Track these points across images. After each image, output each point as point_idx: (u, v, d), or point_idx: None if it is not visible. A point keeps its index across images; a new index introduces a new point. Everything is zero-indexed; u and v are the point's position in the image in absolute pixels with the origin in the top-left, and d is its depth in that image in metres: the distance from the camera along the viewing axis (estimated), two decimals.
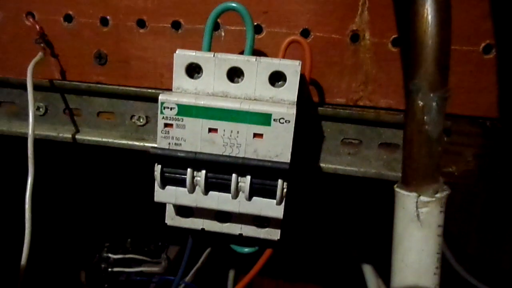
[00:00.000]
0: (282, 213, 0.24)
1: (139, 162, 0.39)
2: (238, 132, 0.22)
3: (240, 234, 0.26)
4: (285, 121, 0.22)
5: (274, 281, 0.54)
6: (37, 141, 0.29)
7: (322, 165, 0.29)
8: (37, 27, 0.29)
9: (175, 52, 0.24)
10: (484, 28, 0.26)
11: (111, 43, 0.29)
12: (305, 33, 0.27)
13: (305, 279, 0.53)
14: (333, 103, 0.28)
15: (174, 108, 0.22)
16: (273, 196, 0.23)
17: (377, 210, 0.42)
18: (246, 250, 0.28)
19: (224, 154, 0.23)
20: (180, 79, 0.24)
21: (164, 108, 0.22)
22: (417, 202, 0.20)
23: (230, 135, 0.22)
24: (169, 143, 0.23)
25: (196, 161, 0.23)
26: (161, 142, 0.23)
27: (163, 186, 0.24)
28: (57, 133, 0.31)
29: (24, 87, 0.29)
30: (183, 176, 0.23)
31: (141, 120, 0.30)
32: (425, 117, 0.19)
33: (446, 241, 0.30)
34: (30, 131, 0.28)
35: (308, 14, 0.27)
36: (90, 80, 0.30)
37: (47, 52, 0.30)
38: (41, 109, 0.31)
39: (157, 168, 0.23)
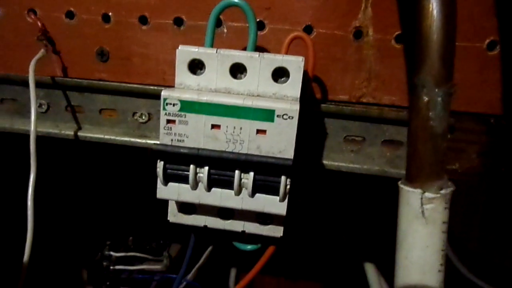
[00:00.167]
0: (285, 210, 0.23)
1: (141, 160, 0.39)
2: (241, 128, 0.22)
3: (243, 231, 0.26)
4: (289, 117, 0.22)
5: (275, 279, 0.54)
6: (39, 138, 0.29)
7: (325, 162, 0.29)
8: (39, 23, 0.29)
9: (177, 48, 0.24)
10: (488, 24, 0.26)
11: (113, 40, 0.29)
12: (308, 30, 0.27)
13: (306, 277, 0.53)
14: (336, 100, 0.28)
15: (176, 104, 0.22)
16: (276, 193, 0.23)
17: (379, 208, 0.41)
18: (249, 247, 0.28)
19: (227, 150, 0.23)
20: (182, 75, 0.24)
21: (167, 104, 0.22)
22: (421, 198, 0.20)
23: (233, 131, 0.22)
24: (172, 140, 0.23)
25: (199, 158, 0.23)
26: (163, 138, 0.23)
27: (165, 182, 0.24)
28: (59, 130, 0.31)
29: (26, 84, 0.29)
30: (185, 173, 0.23)
31: (144, 117, 0.30)
32: (430, 113, 0.19)
33: (448, 239, 0.30)
34: (32, 128, 0.28)
35: (311, 11, 0.27)
36: (92, 77, 0.30)
37: (49, 49, 0.30)
38: (43, 106, 0.31)
39: (160, 164, 0.23)
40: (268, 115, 0.22)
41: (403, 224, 0.21)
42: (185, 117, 0.22)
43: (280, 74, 0.23)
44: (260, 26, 0.27)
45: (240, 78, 0.24)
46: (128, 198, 0.50)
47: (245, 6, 0.24)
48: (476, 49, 0.26)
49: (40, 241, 0.29)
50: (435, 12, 0.18)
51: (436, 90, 0.19)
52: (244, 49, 0.26)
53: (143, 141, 0.30)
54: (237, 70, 0.24)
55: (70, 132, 0.31)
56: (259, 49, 0.27)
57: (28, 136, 0.28)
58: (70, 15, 0.29)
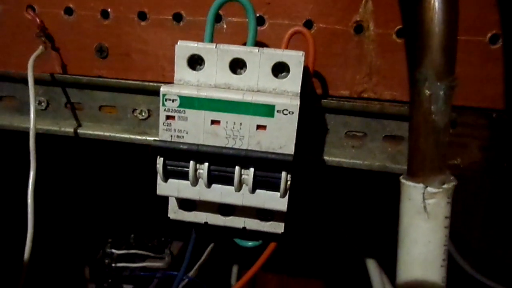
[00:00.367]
0: (286, 205, 0.23)
1: (142, 157, 0.39)
2: (241, 124, 0.22)
3: (244, 228, 0.26)
4: (289, 112, 0.22)
5: (277, 275, 0.54)
6: (39, 135, 0.29)
7: (326, 158, 0.29)
8: (38, 20, 0.29)
9: (176, 44, 0.24)
10: (491, 18, 0.25)
11: (112, 36, 0.29)
12: (308, 24, 0.27)
13: (308, 273, 0.53)
14: (337, 95, 0.28)
15: (176, 100, 0.22)
16: (277, 189, 0.23)
17: (380, 204, 0.41)
18: (250, 244, 0.28)
19: (227, 146, 0.23)
20: (182, 71, 0.24)
21: (166, 100, 0.22)
22: (423, 193, 0.20)
23: (233, 127, 0.22)
24: (171, 136, 0.23)
25: (199, 154, 0.23)
26: (163, 134, 0.23)
27: (165, 179, 0.24)
28: (58, 127, 0.31)
29: (25, 81, 0.29)
30: (185, 169, 0.23)
31: (143, 114, 0.30)
32: (432, 107, 0.19)
33: (450, 235, 0.30)
34: (31, 126, 0.27)
35: (311, 5, 0.27)
36: (91, 73, 0.30)
37: (48, 46, 0.29)
38: (42, 104, 0.31)
39: (159, 161, 0.23)
40: (268, 110, 0.22)
41: (405, 219, 0.21)
42: (184, 113, 0.22)
43: (280, 69, 0.23)
44: (260, 21, 0.27)
45: (240, 74, 0.23)
46: (129, 195, 0.50)
47: (244, 1, 0.24)
48: (479, 43, 0.26)
49: (42, 239, 0.29)
50: (436, 4, 0.18)
51: (438, 83, 0.19)
52: (244, 44, 0.26)
53: (143, 138, 0.30)
54: (237, 66, 0.24)
55: (70, 129, 0.31)
56: (259, 44, 0.27)
57: (27, 133, 0.28)
58: (68, 11, 0.29)
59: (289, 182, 0.23)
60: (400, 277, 0.21)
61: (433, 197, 0.20)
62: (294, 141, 0.22)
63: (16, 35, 0.30)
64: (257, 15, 0.27)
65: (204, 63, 0.23)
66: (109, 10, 0.29)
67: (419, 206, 0.20)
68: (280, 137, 0.22)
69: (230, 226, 0.26)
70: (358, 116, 0.28)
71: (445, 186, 0.20)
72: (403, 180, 0.21)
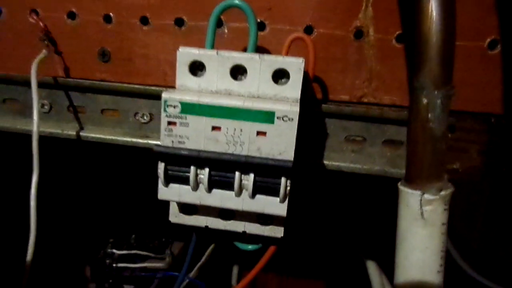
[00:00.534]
0: (286, 211, 0.24)
1: (143, 159, 0.39)
2: (241, 130, 0.22)
3: (244, 232, 0.26)
4: (289, 119, 0.22)
5: (278, 277, 0.54)
6: (42, 138, 0.29)
7: (325, 162, 0.29)
8: (41, 24, 0.29)
9: (178, 49, 0.24)
10: (489, 23, 0.26)
11: (115, 40, 0.29)
12: (308, 30, 0.27)
13: (308, 275, 0.54)
14: (337, 100, 0.28)
15: (177, 106, 0.22)
16: (276, 194, 0.23)
17: (380, 206, 0.41)
18: (250, 247, 0.28)
19: (227, 152, 0.23)
20: (183, 76, 0.24)
21: (168, 106, 0.22)
22: (421, 200, 0.20)
23: (234, 133, 0.22)
24: (173, 141, 0.23)
25: (200, 159, 0.23)
26: (164, 140, 0.23)
27: (166, 184, 0.24)
28: (61, 130, 0.31)
29: (28, 84, 0.29)
30: (186, 174, 0.23)
31: (145, 118, 0.30)
32: (429, 115, 0.19)
33: (450, 237, 0.30)
34: (34, 129, 0.28)
35: (312, 11, 0.27)
36: (93, 77, 0.30)
37: (51, 50, 0.30)
38: (45, 107, 0.31)
39: (161, 166, 0.23)
40: (268, 117, 0.22)
41: (403, 225, 0.21)
42: (186, 119, 0.23)
43: (280, 75, 0.23)
44: (261, 26, 0.27)
45: (241, 80, 0.24)
46: (130, 196, 0.50)
47: (245, 7, 0.24)
48: (477, 48, 0.26)
49: (44, 239, 0.30)
50: (434, 14, 0.18)
51: (436, 92, 0.19)
52: (245, 49, 0.26)
53: (145, 141, 0.30)
54: (238, 72, 0.24)
55: (72, 132, 0.31)
56: (259, 49, 0.27)
57: (29, 136, 0.28)
58: (72, 15, 0.29)
59: (288, 188, 0.23)
60: (398, 282, 0.22)
61: (430, 204, 0.20)
62: (294, 147, 0.22)
63: (20, 39, 0.30)
64: (258, 20, 0.27)
65: (205, 69, 0.24)
66: (111, 14, 0.29)
67: (417, 212, 0.20)
68: (280, 143, 0.22)
69: (231, 230, 0.26)
70: (358, 120, 0.28)
71: (442, 193, 0.20)
72: (401, 187, 0.21)
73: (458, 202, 0.30)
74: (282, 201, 0.23)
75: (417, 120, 0.20)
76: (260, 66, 0.23)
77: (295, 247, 0.50)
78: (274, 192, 0.23)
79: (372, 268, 0.43)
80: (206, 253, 0.46)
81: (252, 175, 0.23)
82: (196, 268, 0.45)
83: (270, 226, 0.26)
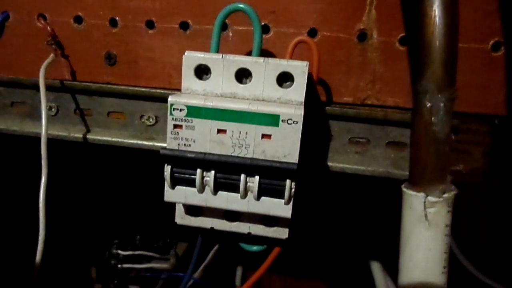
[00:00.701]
0: (290, 212, 0.24)
1: (148, 161, 0.39)
2: (246, 133, 0.23)
3: (249, 233, 0.26)
4: (293, 122, 0.22)
5: (281, 277, 0.54)
6: (48, 140, 0.29)
7: (329, 164, 0.29)
8: (49, 28, 0.29)
9: (183, 52, 0.24)
10: (493, 25, 0.26)
11: (120, 44, 0.30)
12: (312, 33, 0.27)
13: (312, 276, 0.54)
14: (341, 102, 0.28)
15: (183, 109, 0.23)
16: (281, 196, 0.23)
17: (385, 207, 0.42)
18: (255, 248, 0.28)
19: (232, 154, 0.23)
20: (189, 80, 0.24)
21: (174, 109, 0.23)
22: (424, 202, 0.20)
23: (239, 136, 0.23)
24: (179, 144, 0.23)
25: (205, 162, 0.23)
26: (170, 143, 0.23)
27: (173, 186, 0.24)
28: (68, 133, 0.32)
29: (35, 87, 0.29)
30: (192, 177, 0.24)
31: (151, 120, 0.31)
32: (432, 118, 0.19)
33: (455, 238, 0.30)
34: (43, 131, 0.28)
35: (315, 14, 0.27)
36: (100, 80, 0.31)
37: (58, 53, 0.30)
38: (52, 109, 0.32)
39: (167, 168, 0.24)
40: (273, 120, 0.22)
41: (407, 227, 0.21)
42: (191, 122, 0.23)
43: (284, 78, 0.24)
44: (265, 29, 0.28)
45: (246, 83, 0.24)
46: (136, 197, 0.50)
47: (250, 11, 0.24)
48: (481, 50, 0.26)
49: (50, 240, 0.30)
50: (437, 19, 0.19)
51: (439, 95, 0.19)
52: (250, 52, 0.26)
53: (151, 143, 0.31)
54: (243, 75, 0.24)
55: (79, 135, 0.31)
56: (264, 52, 0.27)
57: (35, 138, 0.29)
58: (78, 20, 0.30)
59: (293, 190, 0.23)
60: (402, 283, 0.22)
61: (434, 206, 0.20)
62: (298, 150, 0.23)
63: (27, 43, 0.31)
64: (262, 23, 0.27)
65: (211, 73, 0.24)
66: (117, 18, 0.29)
67: (420, 214, 0.20)
68: (285, 146, 0.23)
69: (236, 232, 0.26)
70: (362, 122, 0.28)
71: (445, 195, 0.20)
72: (404, 189, 0.21)
73: (462, 204, 0.30)
74: (287, 203, 0.23)
75: (420, 123, 0.20)
76: (264, 69, 0.23)
77: (299, 248, 0.50)
78: (279, 194, 0.23)
79: (377, 270, 0.43)
80: (210, 254, 0.46)
81: (257, 177, 0.23)
82: (200, 269, 0.45)
83: (275, 228, 0.26)
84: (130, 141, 0.31)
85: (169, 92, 0.29)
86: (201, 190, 0.24)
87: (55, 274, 0.48)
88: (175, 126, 0.23)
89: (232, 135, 0.23)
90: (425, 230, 0.20)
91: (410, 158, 0.21)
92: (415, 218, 0.20)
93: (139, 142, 0.31)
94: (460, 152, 0.28)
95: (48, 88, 0.30)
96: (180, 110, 0.23)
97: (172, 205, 0.26)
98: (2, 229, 0.45)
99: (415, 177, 0.21)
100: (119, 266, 0.46)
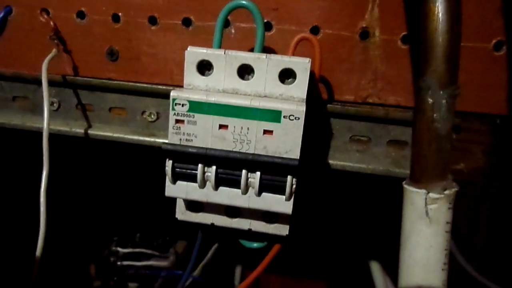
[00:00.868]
0: (291, 208, 0.24)
1: (148, 158, 0.39)
2: (248, 128, 0.23)
3: (249, 229, 0.26)
4: (295, 118, 0.22)
5: (281, 277, 0.54)
6: (49, 135, 0.29)
7: (330, 162, 0.29)
8: (51, 23, 0.29)
9: (185, 49, 0.24)
10: (495, 24, 0.26)
11: (123, 39, 0.30)
12: (314, 30, 0.27)
13: (312, 276, 0.54)
14: (342, 100, 0.28)
15: (185, 104, 0.23)
16: (282, 192, 0.23)
17: (385, 206, 0.42)
18: (255, 245, 0.28)
19: (234, 150, 0.23)
20: (191, 76, 0.24)
21: (176, 104, 0.23)
22: (426, 198, 0.20)
23: (241, 132, 0.23)
24: (180, 139, 0.23)
25: (207, 157, 0.23)
26: (172, 138, 0.23)
27: (174, 181, 0.24)
28: (69, 128, 0.32)
29: (37, 82, 0.29)
30: (194, 172, 0.24)
31: (152, 116, 0.31)
32: (434, 115, 0.20)
33: (454, 239, 0.30)
34: (45, 126, 0.28)
35: (318, 11, 0.27)
36: (102, 76, 0.31)
37: (60, 48, 0.30)
38: (54, 104, 0.32)
39: (169, 163, 0.24)
40: (274, 116, 0.22)
41: (407, 223, 0.21)
42: (193, 117, 0.23)
43: (287, 75, 0.24)
44: (268, 26, 0.28)
45: (248, 79, 0.24)
46: (135, 195, 0.50)
47: (252, 8, 0.24)
48: (483, 50, 0.26)
49: (49, 237, 0.30)
50: (440, 15, 0.19)
51: (441, 92, 0.19)
52: (252, 49, 0.26)
53: (152, 139, 0.31)
54: (245, 71, 0.24)
55: (80, 130, 0.32)
56: (266, 49, 0.27)
57: (36, 133, 0.29)
58: (81, 15, 0.30)
59: (294, 186, 0.23)
60: (402, 281, 0.22)
61: (435, 203, 0.20)
62: (300, 146, 0.23)
63: (30, 38, 0.31)
64: (265, 21, 0.27)
65: (213, 69, 0.24)
66: (120, 14, 0.29)
67: (421, 211, 0.20)
68: (286, 142, 0.23)
69: (236, 228, 0.26)
70: (363, 121, 0.28)
71: (446, 192, 0.20)
72: (405, 186, 0.22)
73: (463, 203, 0.30)
74: (288, 199, 0.23)
75: (422, 120, 0.20)
76: (267, 66, 0.23)
77: (298, 247, 0.50)
78: (280, 190, 0.23)
79: (376, 269, 0.43)
80: (210, 252, 0.46)
81: (258, 173, 0.23)
82: (199, 267, 0.45)
83: (276, 224, 0.26)
84: (131, 137, 0.31)
85: (171, 88, 0.29)
86: (202, 185, 0.24)
87: (54, 270, 0.48)
88: (177, 121, 0.23)
89: (234, 131, 0.23)
90: (426, 226, 0.20)
91: (412, 155, 0.21)
92: (416, 214, 0.21)
93: (140, 138, 0.31)
94: (461, 151, 0.28)
95: (50, 83, 0.30)
96: (182, 105, 0.23)
97: (172, 203, 0.26)
98: (2, 224, 0.45)
99: (416, 173, 0.21)
100: (118, 263, 0.46)
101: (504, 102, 0.27)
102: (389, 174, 0.29)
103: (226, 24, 0.28)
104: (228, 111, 0.23)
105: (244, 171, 0.23)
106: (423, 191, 0.20)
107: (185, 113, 0.23)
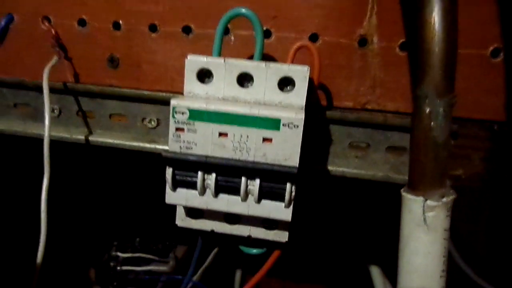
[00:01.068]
0: (291, 215, 0.24)
1: (148, 163, 0.40)
2: (247, 136, 0.23)
3: (249, 236, 0.26)
4: (294, 126, 0.22)
5: (281, 281, 0.54)
6: (51, 142, 0.29)
7: (330, 168, 0.29)
8: (53, 31, 0.30)
9: (185, 56, 0.25)
10: (492, 32, 0.26)
11: (124, 47, 0.30)
12: (313, 38, 0.28)
13: (312, 280, 0.54)
14: (341, 107, 0.29)
15: (185, 112, 0.23)
16: (281, 199, 0.23)
17: (384, 212, 0.42)
18: (255, 251, 0.28)
19: (234, 158, 0.23)
20: (191, 83, 0.24)
21: (176, 112, 0.23)
22: (423, 206, 0.20)
23: (240, 139, 0.23)
24: (181, 147, 0.24)
25: (207, 165, 0.23)
26: (172, 145, 0.24)
27: (174, 188, 0.24)
28: (70, 134, 0.32)
29: (39, 89, 0.29)
30: (194, 179, 0.24)
31: (152, 123, 0.31)
32: (432, 123, 0.20)
33: (455, 244, 0.30)
34: (46, 133, 0.28)
35: (317, 19, 0.27)
36: (102, 83, 0.31)
37: (61, 56, 0.30)
38: (55, 111, 0.32)
39: (169, 171, 0.24)
40: (274, 123, 0.22)
41: (406, 230, 0.21)
42: (193, 125, 0.23)
43: (286, 83, 0.24)
44: (267, 34, 0.28)
45: (247, 87, 0.24)
46: (135, 200, 0.51)
47: (252, 17, 0.24)
48: (480, 56, 0.26)
49: (51, 242, 0.30)
50: (436, 25, 0.19)
51: (438, 101, 0.20)
52: (251, 56, 0.26)
53: (152, 146, 0.31)
54: (244, 79, 0.24)
55: (81, 137, 0.32)
56: (265, 56, 0.28)
57: (37, 140, 0.29)
58: (82, 23, 0.30)
59: (293, 193, 0.23)
60: (401, 286, 0.22)
61: (433, 210, 0.20)
62: (299, 153, 0.23)
63: (31, 45, 0.31)
64: (264, 28, 0.27)
65: (213, 77, 0.24)
66: (120, 22, 0.29)
67: (419, 218, 0.20)
68: (285, 149, 0.23)
69: (236, 234, 0.26)
70: (362, 127, 0.29)
71: (444, 199, 0.20)
72: (404, 193, 0.22)
73: (462, 209, 0.30)
74: (287, 206, 0.24)
75: (419, 128, 0.20)
76: (266, 74, 0.24)
77: (298, 252, 0.50)
78: (279, 197, 0.23)
79: (376, 274, 0.43)
80: (210, 257, 0.46)
81: (258, 181, 0.23)
82: (199, 272, 0.45)
83: (275, 231, 0.26)
84: (131, 143, 0.31)
85: (171, 95, 0.29)
86: (202, 192, 0.24)
87: (54, 275, 0.48)
88: (177, 129, 0.23)
89: (234, 139, 0.23)
90: (424, 234, 0.20)
91: (410, 163, 0.22)
92: (414, 222, 0.21)
93: (141, 144, 0.31)
94: (459, 157, 0.28)
95: (51, 90, 0.30)
96: (182, 113, 0.23)
97: (172, 208, 0.27)
98: (3, 230, 0.45)
99: (414, 181, 0.21)
100: (118, 268, 0.46)
101: (501, 108, 0.27)
102: (388, 180, 0.29)
103: (226, 31, 0.28)
104: (227, 119, 0.23)
105: (243, 179, 0.24)
106: (421, 198, 0.21)
107: (185, 121, 0.23)
